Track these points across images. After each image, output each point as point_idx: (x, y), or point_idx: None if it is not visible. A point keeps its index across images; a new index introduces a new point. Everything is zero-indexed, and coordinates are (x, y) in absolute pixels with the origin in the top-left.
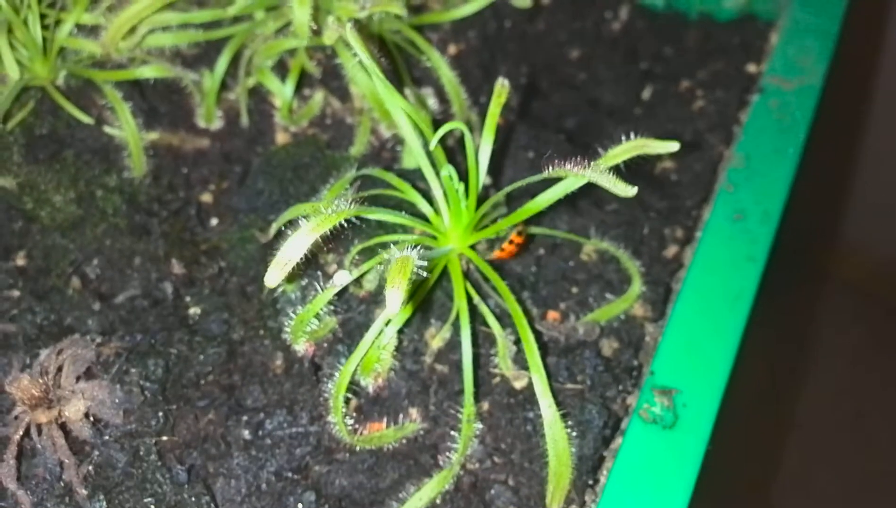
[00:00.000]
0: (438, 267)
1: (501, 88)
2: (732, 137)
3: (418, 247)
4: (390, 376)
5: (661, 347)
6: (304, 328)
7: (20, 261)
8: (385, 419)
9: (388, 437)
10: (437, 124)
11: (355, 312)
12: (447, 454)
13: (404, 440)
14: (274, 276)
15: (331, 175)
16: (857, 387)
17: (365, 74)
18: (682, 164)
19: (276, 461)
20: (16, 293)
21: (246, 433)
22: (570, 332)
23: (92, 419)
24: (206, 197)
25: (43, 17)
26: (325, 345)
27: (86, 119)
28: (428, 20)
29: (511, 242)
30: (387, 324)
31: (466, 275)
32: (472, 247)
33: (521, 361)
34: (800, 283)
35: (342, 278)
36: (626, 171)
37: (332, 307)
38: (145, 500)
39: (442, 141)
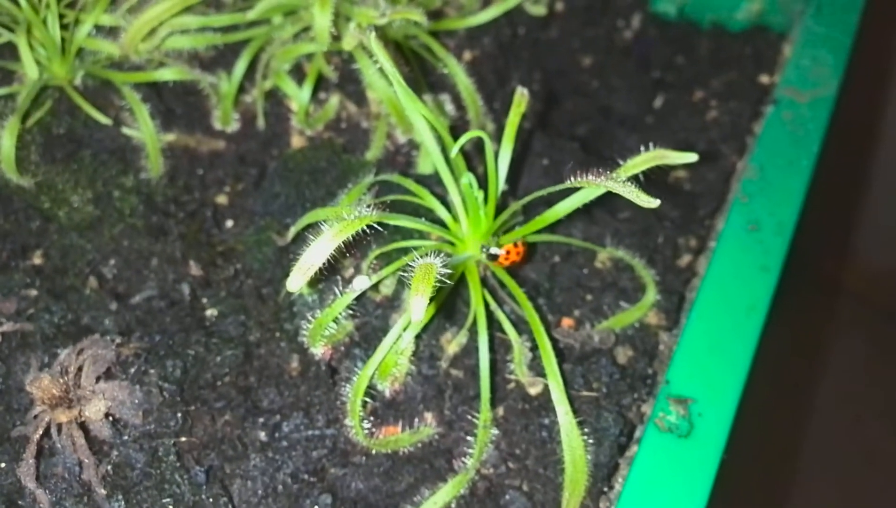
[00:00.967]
0: (456, 273)
1: (521, 98)
2: (746, 147)
3: (441, 254)
4: (406, 380)
5: (676, 356)
6: (323, 331)
7: (37, 260)
8: (401, 423)
9: (403, 441)
10: (452, 130)
11: (372, 316)
12: (462, 458)
13: (420, 445)
14: (296, 280)
15: (347, 179)
16: (861, 395)
17: (383, 80)
18: (695, 174)
19: (293, 463)
20: (33, 293)
21: (262, 435)
22: (585, 339)
23: (111, 419)
24: (222, 199)
25: (62, 17)
26: (342, 349)
27: (104, 120)
28: (444, 27)
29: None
30: (404, 329)
31: (483, 281)
32: None
33: (535, 367)
34: (807, 292)
35: (361, 283)
36: (642, 180)
37: (349, 311)
38: (164, 500)
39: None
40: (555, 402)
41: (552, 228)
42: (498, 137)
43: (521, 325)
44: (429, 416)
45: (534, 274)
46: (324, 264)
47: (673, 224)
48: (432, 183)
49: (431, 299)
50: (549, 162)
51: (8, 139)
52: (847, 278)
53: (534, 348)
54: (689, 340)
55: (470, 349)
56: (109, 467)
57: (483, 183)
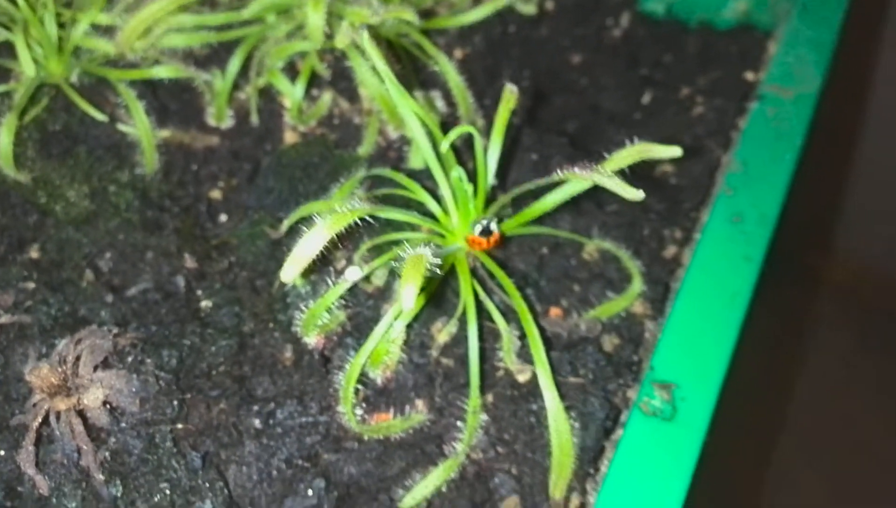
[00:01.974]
0: (446, 264)
1: (510, 95)
2: (731, 142)
3: (430, 244)
4: (398, 368)
5: (661, 343)
6: (316, 321)
7: (34, 254)
8: (392, 410)
9: (395, 427)
10: (443, 126)
11: (364, 306)
12: (452, 443)
13: (411, 431)
14: (290, 271)
15: (339, 174)
16: (846, 388)
17: (374, 77)
18: (681, 168)
19: (287, 449)
20: (31, 285)
21: (257, 423)
22: (572, 328)
23: (109, 407)
24: (216, 194)
25: (58, 15)
26: (335, 338)
27: (100, 117)
28: (435, 25)
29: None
30: (396, 318)
31: (473, 272)
32: None
33: (524, 355)
34: (792, 285)
35: (354, 274)
36: (628, 174)
37: (342, 302)
38: (161, 485)
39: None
40: (542, 388)
41: (540, 220)
42: (488, 133)
43: (509, 314)
44: (420, 403)
45: (522, 265)
46: (317, 255)
47: (659, 217)
48: (423, 177)
49: (422, 290)
50: (538, 157)
51: (6, 136)
52: (829, 271)
53: (522, 336)
54: (673, 328)
55: (460, 338)
56: (107, 453)
57: (473, 177)
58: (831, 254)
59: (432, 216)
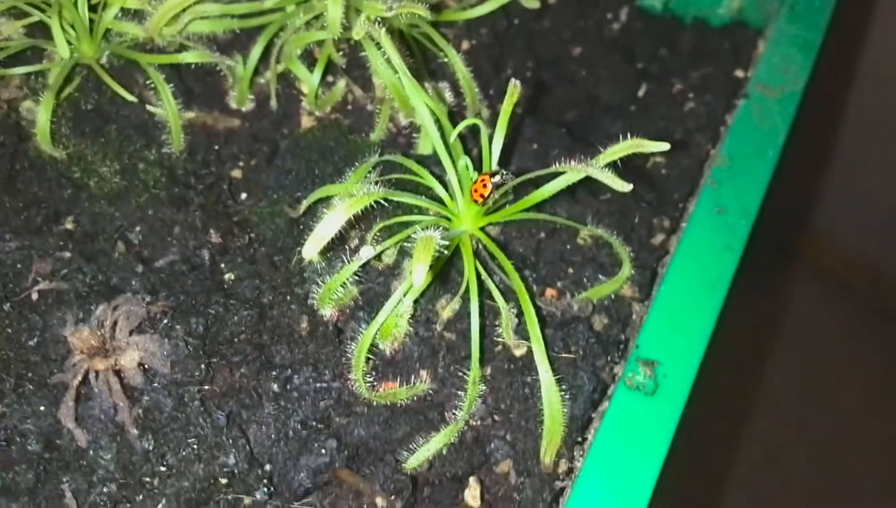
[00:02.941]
0: (451, 246)
1: (514, 89)
2: (719, 137)
3: (439, 228)
4: (405, 341)
5: (647, 324)
6: (331, 295)
7: (69, 225)
8: (399, 379)
9: (401, 395)
10: (450, 115)
11: (375, 282)
12: (453, 411)
13: (415, 398)
14: (311, 249)
15: (353, 158)
16: (832, 373)
17: (388, 68)
18: (672, 160)
19: (302, 411)
20: (67, 255)
21: (275, 387)
22: (565, 308)
23: (143, 368)
24: (237, 173)
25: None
26: (348, 311)
27: (130, 97)
28: (445, 18)
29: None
30: (405, 295)
31: (475, 253)
32: (482, 229)
33: (521, 332)
34: (778, 270)
35: (367, 253)
36: (621, 165)
37: (354, 278)
38: (189, 440)
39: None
40: (537, 363)
41: (539, 207)
42: (492, 122)
43: (508, 294)
44: (424, 373)
45: (521, 248)
46: (333, 234)
47: (649, 206)
48: (431, 163)
49: (429, 268)
50: (538, 146)
51: (44, 114)
52: (814, 257)
53: (519, 314)
54: (658, 310)
55: (462, 315)
56: (141, 410)
57: (477, 165)
58: (815, 240)
59: (439, 200)
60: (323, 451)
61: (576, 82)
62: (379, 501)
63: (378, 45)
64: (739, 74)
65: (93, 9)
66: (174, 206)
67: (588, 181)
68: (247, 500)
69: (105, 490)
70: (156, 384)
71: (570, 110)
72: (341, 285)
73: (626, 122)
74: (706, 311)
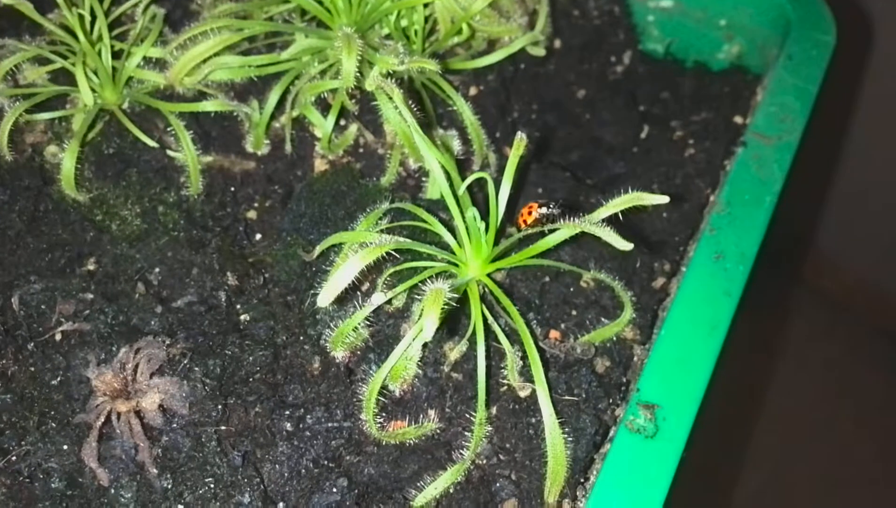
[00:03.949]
0: (459, 291)
1: (520, 142)
2: (718, 182)
3: (447, 276)
4: (414, 382)
5: (647, 367)
6: (344, 339)
7: (91, 267)
8: (407, 419)
9: (409, 434)
10: (459, 162)
11: (385, 325)
12: (460, 451)
13: (423, 438)
14: (326, 297)
15: (365, 202)
16: (833, 395)
17: (398, 116)
18: (672, 205)
19: (315, 450)
20: (89, 296)
21: (288, 426)
22: (569, 350)
23: (163, 409)
24: (252, 214)
25: (112, 47)
26: (359, 353)
27: (151, 143)
28: (454, 67)
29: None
30: (414, 339)
31: (482, 298)
32: (489, 275)
33: (526, 374)
34: (780, 294)
35: (378, 299)
36: (624, 210)
37: (366, 321)
38: (206, 480)
39: (463, 174)
40: (541, 405)
41: (544, 253)
42: (498, 166)
43: (513, 336)
44: (432, 413)
45: (526, 291)
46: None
47: (650, 250)
48: (439, 208)
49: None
50: (543, 190)
51: (69, 160)
52: (817, 282)
53: (524, 357)
54: (658, 354)
55: (469, 356)
56: (160, 450)
57: (484, 212)
58: (818, 265)
59: (448, 247)
60: (334, 489)
61: (580, 125)
62: None
63: (389, 97)
64: (738, 120)
65: (115, 56)
66: (192, 248)
67: None
68: None
69: None
70: (175, 425)
71: (574, 152)
72: (353, 329)
73: (629, 164)
74: (705, 355)
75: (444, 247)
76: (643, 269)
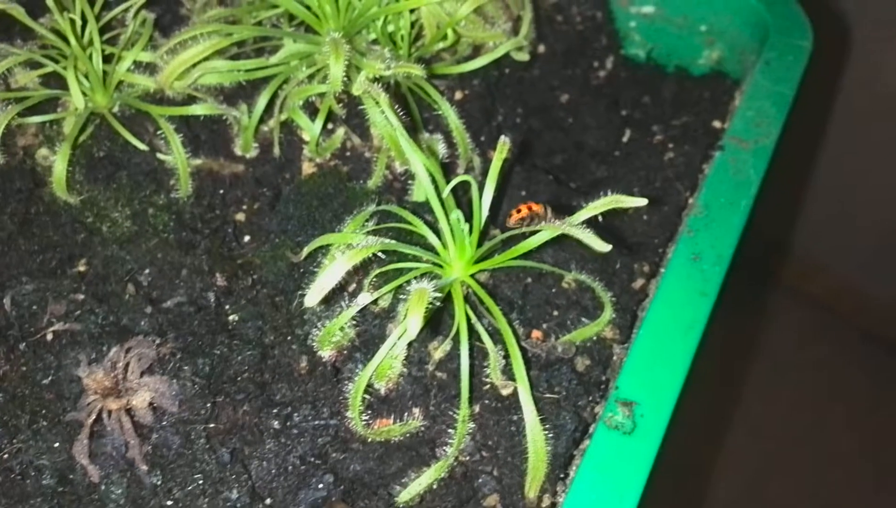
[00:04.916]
0: (443, 292)
1: (503, 145)
2: (697, 185)
3: (431, 277)
4: (399, 380)
5: (626, 366)
6: (330, 338)
7: (82, 268)
8: (392, 417)
9: (394, 432)
10: (444, 165)
11: (371, 325)
12: (443, 447)
13: (408, 435)
14: (314, 298)
15: (352, 204)
16: (817, 398)
17: (384, 120)
18: (652, 207)
19: (301, 448)
20: (80, 296)
21: (276, 424)
22: (550, 350)
23: (153, 407)
24: (241, 216)
25: (103, 51)
26: (345, 352)
27: (141, 146)
28: (439, 71)
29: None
30: (399, 338)
31: (466, 298)
32: (472, 276)
33: (508, 372)
34: (762, 297)
35: (364, 299)
36: (604, 213)
37: (352, 321)
38: (195, 476)
39: (448, 177)
40: (522, 402)
41: (526, 254)
42: (483, 170)
43: (496, 336)
44: (416, 411)
45: (509, 292)
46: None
47: (630, 251)
48: (425, 211)
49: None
50: (526, 193)
51: (61, 163)
52: (803, 284)
53: (507, 356)
54: (636, 353)
55: (453, 356)
56: (150, 447)
57: (468, 214)
58: (804, 268)
59: (433, 249)
60: (320, 486)
61: (563, 129)
62: None
63: (376, 102)
64: (717, 124)
65: (106, 60)
66: (182, 249)
67: None
68: None
69: None
70: (164, 423)
71: (557, 155)
72: (339, 329)
73: (611, 168)
74: (682, 354)
75: (429, 248)
76: (623, 270)
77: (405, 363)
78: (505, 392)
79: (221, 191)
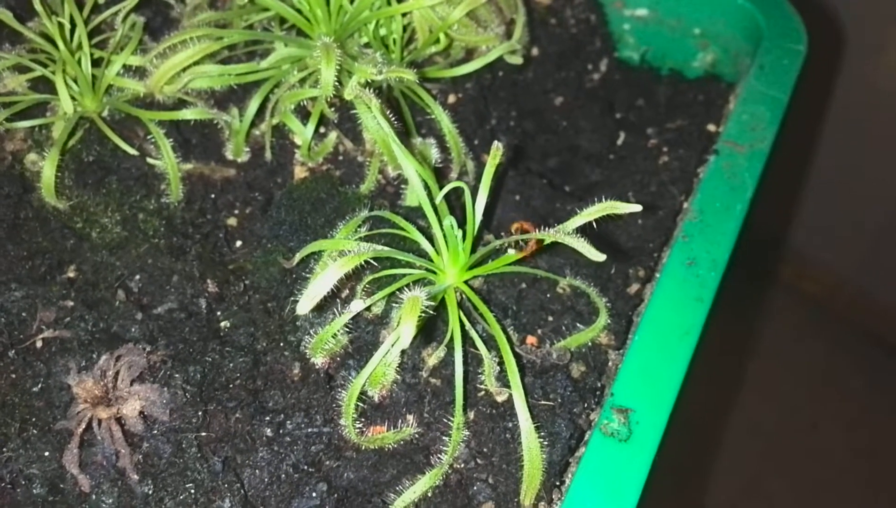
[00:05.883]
0: (436, 298)
1: (496, 151)
2: (692, 189)
3: (424, 283)
4: (392, 387)
5: (621, 372)
6: (323, 345)
7: (72, 274)
8: (386, 424)
9: (388, 439)
10: (437, 170)
11: (364, 331)
12: (438, 455)
13: (402, 442)
14: (306, 305)
15: (344, 209)
16: (813, 396)
17: (376, 125)
18: (647, 212)
19: (294, 455)
20: (69, 303)
21: (269, 432)
22: (545, 356)
23: (144, 415)
24: (232, 221)
25: (92, 55)
26: (338, 359)
27: (131, 151)
28: (432, 75)
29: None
30: (393, 345)
31: (460, 305)
32: (466, 282)
33: (502, 379)
34: (758, 295)
35: (357, 306)
36: (599, 218)
37: (345, 328)
38: (187, 485)
39: (441, 182)
40: (517, 409)
41: (521, 260)
42: (476, 174)
43: (491, 342)
44: (410, 418)
45: (503, 298)
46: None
47: (625, 256)
48: (418, 216)
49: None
50: (520, 197)
51: (49, 168)
52: (799, 283)
53: (501, 362)
54: (632, 359)
55: (447, 362)
56: (141, 456)
57: (462, 220)
58: (800, 267)
59: (426, 255)
60: (314, 494)
61: (557, 132)
62: None
63: (368, 107)
64: (712, 128)
65: (95, 64)
66: (172, 255)
67: None
68: None
69: None
70: (155, 431)
71: (551, 159)
72: (332, 336)
73: (605, 171)
74: (677, 360)
75: (423, 255)
76: (618, 275)
77: (399, 370)
78: (500, 399)
79: (213, 196)
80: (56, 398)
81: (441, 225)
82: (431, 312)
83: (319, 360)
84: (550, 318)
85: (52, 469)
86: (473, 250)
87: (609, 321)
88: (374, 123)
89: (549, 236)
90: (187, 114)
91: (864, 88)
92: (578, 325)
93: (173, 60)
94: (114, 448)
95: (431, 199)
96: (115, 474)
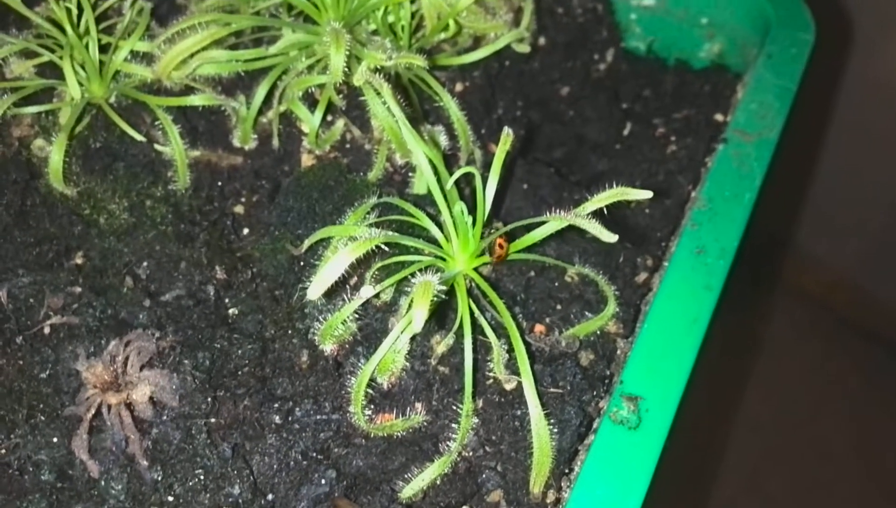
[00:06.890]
0: (446, 285)
1: (507, 137)
2: (699, 179)
3: (434, 269)
4: (401, 375)
5: (630, 360)
6: (332, 332)
7: (79, 261)
8: (395, 411)
9: (397, 427)
10: (445, 157)
11: (373, 319)
12: (447, 443)
13: (411, 430)
14: (316, 290)
15: (352, 197)
16: (813, 394)
17: (385, 112)
18: (655, 201)
19: (303, 443)
20: (77, 289)
21: (277, 419)
22: (554, 344)
23: (153, 401)
24: (239, 209)
25: (99, 41)
26: (347, 346)
27: (138, 137)
28: (440, 63)
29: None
30: (402, 332)
31: (469, 292)
32: (475, 269)
33: (511, 367)
34: (758, 292)
35: (367, 292)
36: (607, 206)
37: (354, 315)
38: (196, 472)
39: (449, 169)
40: (526, 397)
41: (529, 247)
42: (484, 162)
43: (499, 330)
44: (419, 406)
45: (512, 286)
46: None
47: (633, 245)
48: (427, 203)
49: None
50: (528, 186)
51: (57, 154)
52: (799, 280)
53: (510, 350)
54: (641, 347)
55: (456, 350)
56: (150, 442)
57: (471, 206)
58: (800, 263)
59: (435, 242)
60: (323, 481)
61: (564, 122)
62: None
63: (377, 92)
64: (719, 117)
65: (102, 49)
66: (180, 242)
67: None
68: None
69: None
70: (165, 417)
71: (558, 149)
72: (342, 323)
73: (612, 161)
74: (686, 348)
75: (432, 241)
76: (626, 264)
77: (408, 358)
78: (509, 387)
79: (220, 183)
80: (64, 384)
81: (451, 211)
82: (443, 296)
83: (328, 347)
84: (559, 306)
85: (60, 455)
86: (482, 237)
87: (618, 310)
88: (383, 110)
89: (562, 219)
90: (195, 100)
91: (869, 85)
92: (587, 313)
93: (181, 46)
94: (123, 433)
95: (441, 185)
96: (124, 460)
